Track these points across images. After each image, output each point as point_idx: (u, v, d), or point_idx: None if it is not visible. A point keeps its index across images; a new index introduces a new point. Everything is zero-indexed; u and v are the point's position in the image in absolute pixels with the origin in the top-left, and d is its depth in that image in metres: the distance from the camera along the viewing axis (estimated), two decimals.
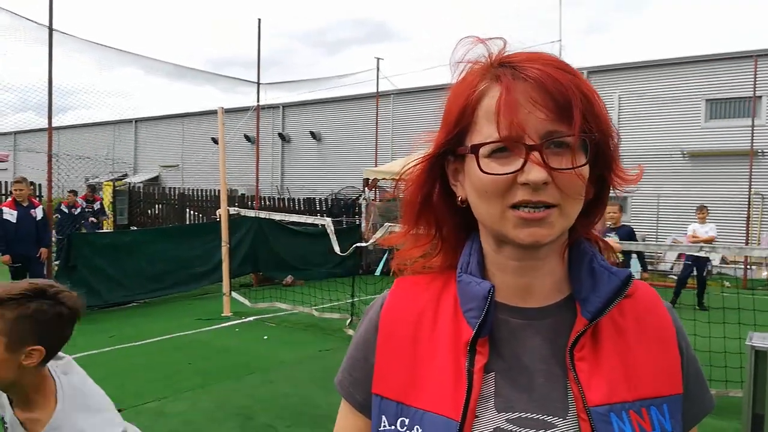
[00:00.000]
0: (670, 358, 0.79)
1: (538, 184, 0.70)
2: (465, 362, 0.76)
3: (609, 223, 8.34)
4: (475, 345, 0.76)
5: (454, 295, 0.82)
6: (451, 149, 0.80)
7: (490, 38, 0.78)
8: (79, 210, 12.52)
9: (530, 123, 0.70)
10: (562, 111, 0.70)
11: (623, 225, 8.24)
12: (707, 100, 16.18)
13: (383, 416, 0.80)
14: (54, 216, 11.75)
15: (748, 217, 14.16)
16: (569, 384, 0.75)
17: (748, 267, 13.64)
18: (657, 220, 16.21)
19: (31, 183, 8.86)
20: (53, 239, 9.84)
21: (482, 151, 0.73)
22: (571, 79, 0.72)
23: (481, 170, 0.73)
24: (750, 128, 14.14)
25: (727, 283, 12.63)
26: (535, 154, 0.70)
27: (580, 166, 0.72)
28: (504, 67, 0.74)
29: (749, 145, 14.13)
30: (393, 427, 0.78)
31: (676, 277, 13.28)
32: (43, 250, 8.04)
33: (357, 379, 0.86)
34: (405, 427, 0.77)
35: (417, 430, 0.76)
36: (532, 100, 0.70)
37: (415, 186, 0.84)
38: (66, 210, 12.25)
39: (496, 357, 0.77)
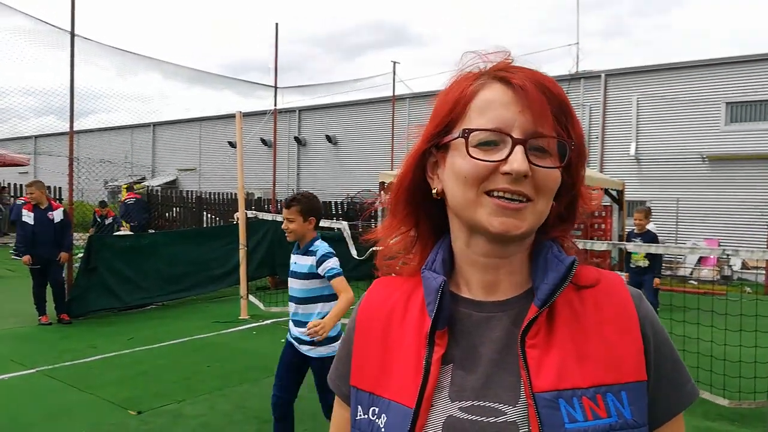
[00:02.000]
0: (632, 346, 0.78)
1: (519, 174, 0.75)
2: (425, 353, 0.80)
3: (634, 229, 8.27)
4: (434, 337, 0.80)
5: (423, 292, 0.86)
6: (436, 142, 0.83)
7: (495, 52, 0.83)
8: (111, 219, 12.38)
9: (520, 120, 0.76)
10: (551, 117, 0.77)
11: (648, 231, 8.15)
12: (727, 103, 15.97)
13: (359, 406, 0.86)
14: (90, 230, 11.77)
15: None
16: (520, 371, 0.76)
17: None
18: (677, 225, 16.02)
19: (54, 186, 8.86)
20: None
21: (470, 139, 0.77)
22: (562, 94, 0.79)
23: (469, 155, 0.77)
24: None
25: (748, 289, 12.44)
26: (521, 147, 0.75)
27: (556, 167, 0.78)
28: (502, 71, 0.80)
29: None
30: (366, 417, 0.84)
31: (696, 283, 13.12)
32: (63, 254, 7.93)
33: (342, 374, 0.92)
34: (375, 416, 0.82)
35: (384, 417, 0.81)
36: (527, 100, 0.76)
37: (401, 179, 0.88)
38: (99, 219, 12.09)
39: (455, 348, 0.81)
